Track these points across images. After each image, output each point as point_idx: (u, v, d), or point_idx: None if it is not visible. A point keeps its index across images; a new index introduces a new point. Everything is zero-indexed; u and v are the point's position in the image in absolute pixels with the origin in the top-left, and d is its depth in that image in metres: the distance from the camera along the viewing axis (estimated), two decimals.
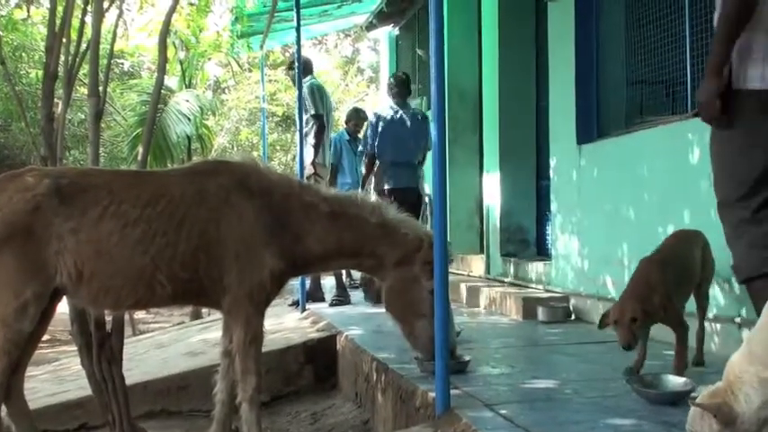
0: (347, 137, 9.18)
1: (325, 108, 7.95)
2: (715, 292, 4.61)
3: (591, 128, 6.51)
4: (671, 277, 3.95)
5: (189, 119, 12.75)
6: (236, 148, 21.07)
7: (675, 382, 3.56)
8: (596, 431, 3.05)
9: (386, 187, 7.23)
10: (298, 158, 7.59)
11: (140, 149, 5.13)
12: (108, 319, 4.34)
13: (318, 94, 7.96)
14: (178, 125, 12.55)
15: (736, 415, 2.26)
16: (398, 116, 7.33)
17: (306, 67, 8.08)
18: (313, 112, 7.84)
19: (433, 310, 3.47)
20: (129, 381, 4.58)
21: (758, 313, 3.10)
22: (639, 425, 3.14)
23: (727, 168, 3.10)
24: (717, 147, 3.13)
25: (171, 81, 13.86)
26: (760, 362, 2.22)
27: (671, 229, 5.06)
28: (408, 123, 7.30)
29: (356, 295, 8.01)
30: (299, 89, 7.79)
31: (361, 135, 9.14)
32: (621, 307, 3.79)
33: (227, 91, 22.12)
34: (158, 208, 3.66)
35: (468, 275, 8.99)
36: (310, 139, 7.82)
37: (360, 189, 7.83)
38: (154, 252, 3.62)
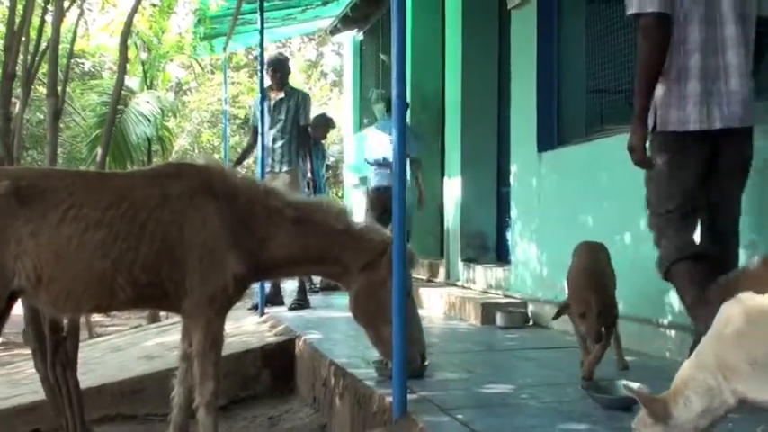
0: (312, 142, 9.17)
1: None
2: (670, 298, 4.68)
3: (551, 135, 6.57)
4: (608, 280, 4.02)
5: (149, 120, 12.66)
6: (197, 151, 20.93)
7: (634, 386, 3.60)
8: None
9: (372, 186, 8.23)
10: (258, 162, 7.56)
11: (99, 150, 5.07)
12: (63, 321, 4.28)
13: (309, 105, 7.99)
14: (138, 126, 12.45)
15: (670, 415, 2.29)
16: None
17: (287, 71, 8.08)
18: (303, 122, 7.80)
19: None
20: (83, 384, 4.53)
21: (682, 299, 3.74)
22: (594, 429, 3.18)
23: (659, 189, 3.79)
24: (650, 172, 3.81)
25: (132, 82, 13.74)
26: (708, 371, 2.26)
27: (629, 237, 5.13)
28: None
29: (315, 300, 7.99)
30: (262, 92, 7.77)
31: (325, 141, 9.22)
32: (583, 300, 3.81)
33: (188, 93, 21.99)
34: (120, 211, 3.62)
35: (428, 280, 9.02)
36: (283, 148, 7.70)
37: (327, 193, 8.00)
38: (115, 256, 3.58)
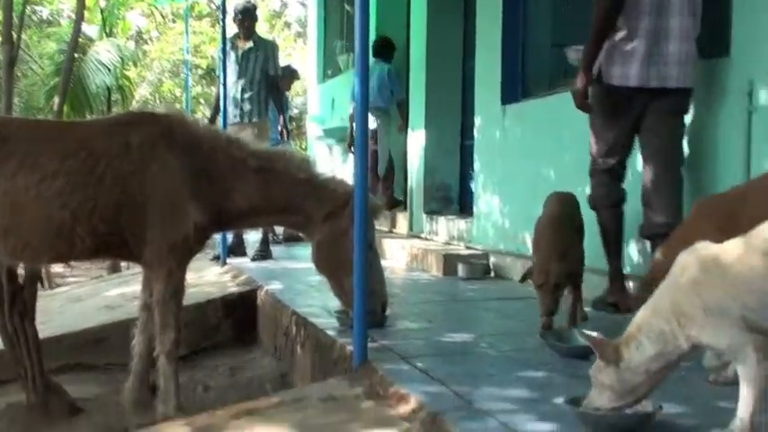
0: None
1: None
2: (629, 250, 4.75)
3: (515, 88, 6.58)
4: (571, 240, 4.05)
5: (109, 69, 12.45)
6: (158, 101, 20.63)
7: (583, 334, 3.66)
8: (508, 383, 3.12)
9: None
10: (222, 112, 7.46)
11: (57, 99, 4.99)
12: (21, 272, 4.24)
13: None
14: (98, 75, 12.24)
15: (621, 357, 2.33)
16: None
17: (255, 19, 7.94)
18: (273, 72, 7.66)
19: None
20: (43, 334, 4.50)
21: (612, 236, 4.32)
22: (551, 377, 3.24)
23: (598, 134, 4.29)
24: (591, 119, 4.30)
25: (91, 30, 13.47)
26: (663, 317, 2.30)
27: (589, 190, 5.17)
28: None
29: (278, 251, 7.99)
30: (224, 42, 7.65)
31: (289, 92, 9.16)
32: (545, 270, 3.83)
33: (149, 42, 21.57)
34: (79, 160, 3.57)
35: (391, 232, 9.04)
36: (252, 97, 7.58)
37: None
38: (74, 206, 3.54)
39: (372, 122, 8.79)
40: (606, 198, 4.33)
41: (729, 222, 3.06)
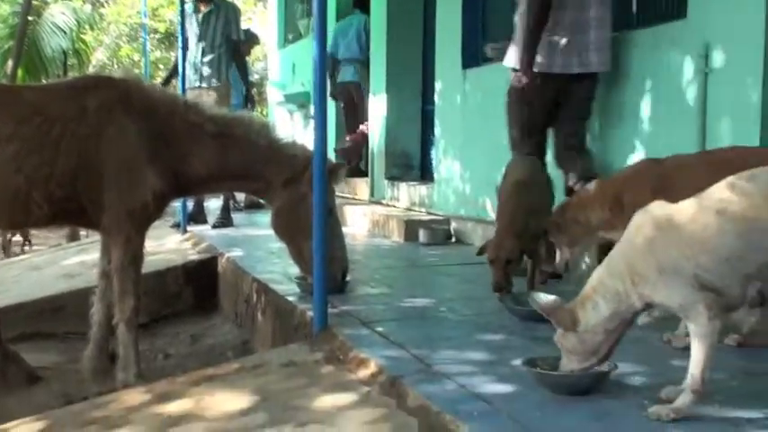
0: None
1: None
2: None
3: (476, 53, 6.56)
4: (534, 208, 4.03)
5: (65, 32, 12.24)
6: (116, 65, 20.30)
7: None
8: (467, 346, 3.15)
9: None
10: (181, 77, 7.35)
11: (11, 63, 4.88)
12: None
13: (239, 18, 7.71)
14: (53, 38, 12.03)
15: (577, 321, 2.37)
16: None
17: None
18: (235, 37, 7.49)
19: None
20: (0, 303, 4.45)
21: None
22: (509, 340, 3.28)
23: (520, 119, 4.65)
24: (515, 105, 4.65)
25: None
26: (618, 276, 2.34)
27: (548, 156, 5.21)
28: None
29: (239, 218, 7.95)
30: (182, 5, 7.51)
31: (249, 58, 9.02)
32: (498, 245, 3.85)
33: (106, 4, 21.16)
34: (34, 125, 3.52)
35: (353, 198, 9.04)
36: (212, 62, 7.45)
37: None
38: (29, 171, 3.50)
39: (353, 74, 9.08)
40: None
41: (662, 186, 3.24)
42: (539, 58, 4.47)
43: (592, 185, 3.66)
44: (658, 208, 2.35)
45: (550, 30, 4.46)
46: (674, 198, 3.06)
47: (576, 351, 2.42)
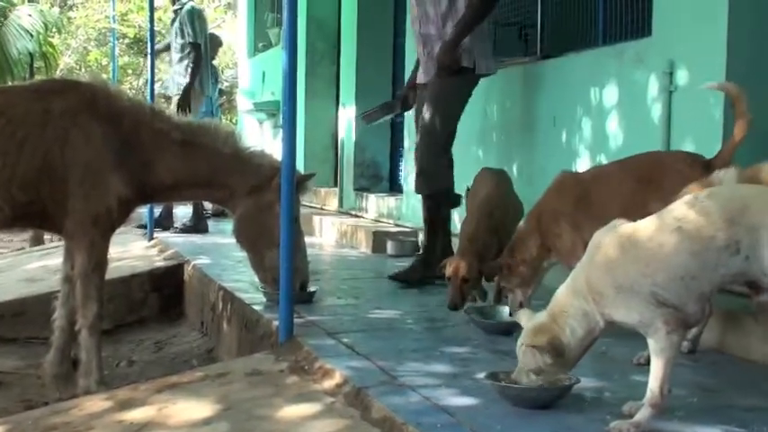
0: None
1: (203, 37, 7.58)
2: None
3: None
4: (501, 223, 4.04)
5: (32, 35, 12.09)
6: (83, 70, 20.11)
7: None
8: (433, 359, 3.17)
9: None
10: (149, 83, 7.32)
11: None
12: None
13: (199, 21, 7.56)
14: (20, 41, 11.88)
15: (565, 347, 2.39)
16: None
17: None
18: (191, 39, 7.38)
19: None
20: None
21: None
22: (475, 353, 3.30)
23: (453, 120, 4.76)
24: (453, 106, 4.76)
25: None
26: (582, 296, 2.36)
27: (515, 168, 5.25)
28: None
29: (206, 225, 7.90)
30: (151, 10, 7.49)
31: (216, 63, 8.94)
32: (456, 264, 3.84)
33: (74, 8, 20.97)
34: None
35: (322, 209, 9.03)
36: (179, 68, 7.42)
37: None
38: None
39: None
40: (450, 180, 4.81)
41: (582, 199, 3.43)
42: (483, 61, 4.74)
43: (523, 221, 3.73)
44: (619, 225, 2.38)
45: (485, 34, 4.80)
46: (593, 206, 3.21)
47: (562, 368, 2.46)
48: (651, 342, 2.28)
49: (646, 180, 3.26)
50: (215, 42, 9.14)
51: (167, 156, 3.73)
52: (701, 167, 3.08)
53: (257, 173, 3.85)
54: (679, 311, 2.24)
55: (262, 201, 3.83)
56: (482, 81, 5.12)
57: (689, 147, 3.93)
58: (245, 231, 3.96)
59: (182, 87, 7.29)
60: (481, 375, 2.75)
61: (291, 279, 3.42)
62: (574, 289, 2.40)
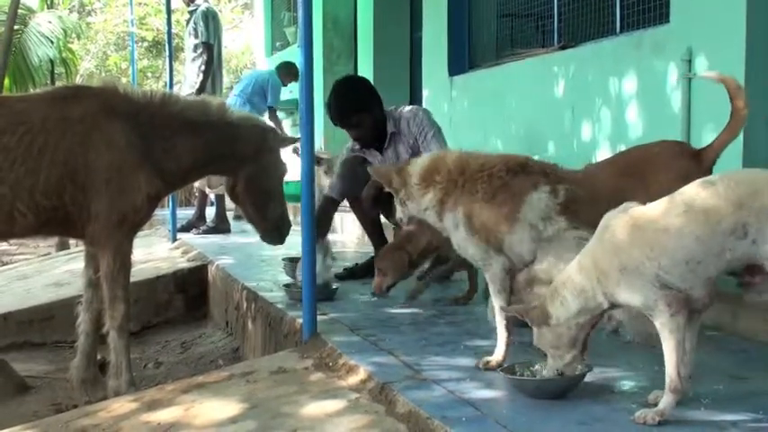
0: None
1: (216, 38, 7.58)
2: None
3: (463, 60, 6.60)
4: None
5: (51, 41, 12.18)
6: (103, 74, 20.24)
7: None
8: (456, 352, 3.17)
9: None
10: (168, 84, 7.36)
11: None
12: None
13: (213, 22, 7.55)
14: (40, 48, 11.97)
15: (549, 315, 2.42)
16: None
17: None
18: (204, 39, 7.36)
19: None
20: None
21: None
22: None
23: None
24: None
25: (31, 1, 13.16)
26: (586, 274, 2.37)
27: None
28: None
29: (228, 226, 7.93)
30: (168, 13, 7.52)
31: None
32: (383, 254, 3.96)
33: (93, 13, 21.11)
34: (17, 135, 3.52)
35: (345, 206, 9.01)
36: (192, 67, 7.45)
37: None
38: (12, 181, 3.49)
39: None
40: None
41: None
42: None
43: None
44: (630, 208, 2.37)
45: None
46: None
47: (556, 346, 2.47)
48: (657, 325, 2.29)
49: (635, 174, 3.18)
50: (291, 71, 8.77)
51: (183, 138, 3.80)
52: (689, 157, 3.04)
53: (253, 136, 3.98)
54: (683, 294, 2.24)
55: (264, 161, 4.01)
56: (500, 72, 5.13)
57: (709, 135, 3.90)
58: (251, 189, 4.06)
59: (194, 87, 7.33)
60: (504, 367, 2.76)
61: (314, 278, 3.43)
62: (581, 266, 2.41)
